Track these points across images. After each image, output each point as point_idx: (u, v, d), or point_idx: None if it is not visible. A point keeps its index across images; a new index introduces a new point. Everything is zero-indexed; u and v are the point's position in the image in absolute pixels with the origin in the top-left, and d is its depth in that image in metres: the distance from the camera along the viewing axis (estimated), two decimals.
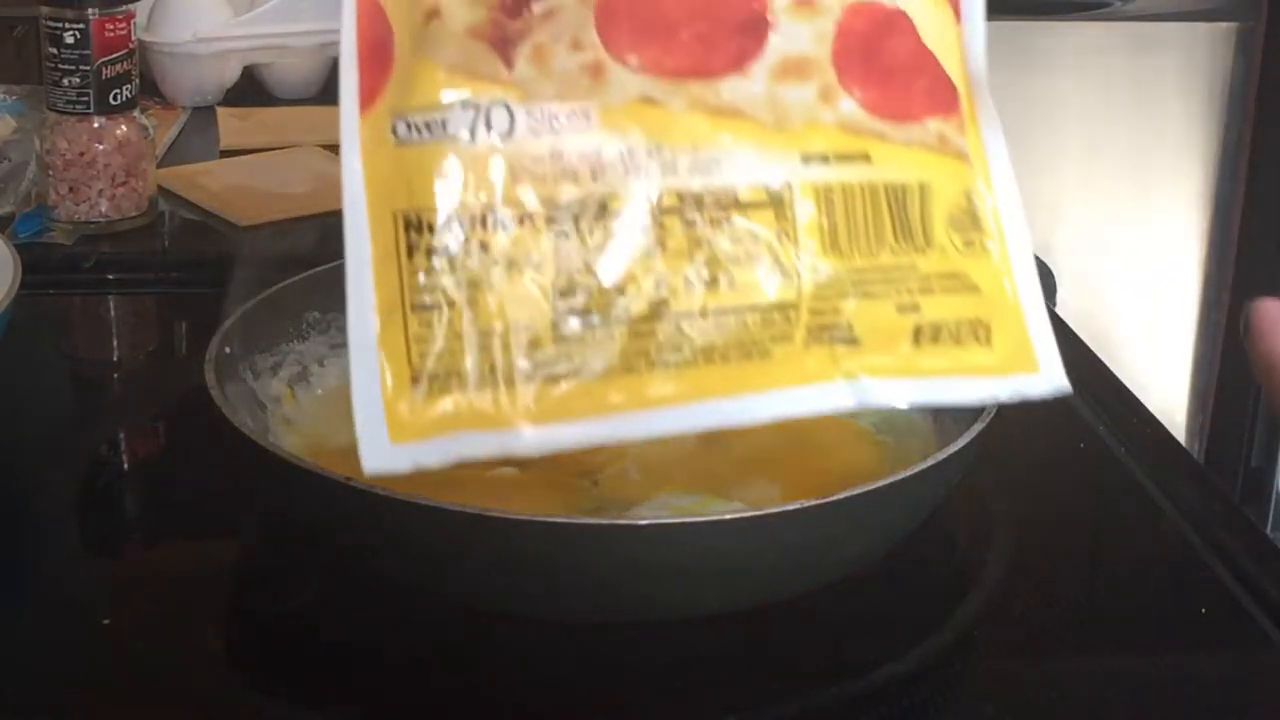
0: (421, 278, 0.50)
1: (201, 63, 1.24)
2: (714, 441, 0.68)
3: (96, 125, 0.95)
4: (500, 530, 0.54)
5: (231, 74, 1.27)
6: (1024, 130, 1.77)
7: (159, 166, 1.02)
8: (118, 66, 0.95)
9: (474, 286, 0.50)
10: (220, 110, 1.23)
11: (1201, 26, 1.86)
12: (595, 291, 0.51)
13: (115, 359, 0.89)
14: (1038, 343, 0.56)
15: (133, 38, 0.96)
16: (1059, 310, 0.93)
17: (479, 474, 0.65)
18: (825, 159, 0.54)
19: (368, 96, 0.52)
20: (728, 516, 0.57)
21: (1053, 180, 1.85)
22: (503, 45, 0.52)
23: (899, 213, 0.54)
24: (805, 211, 0.53)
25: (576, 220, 0.51)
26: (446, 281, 0.50)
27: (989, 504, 0.69)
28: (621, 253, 0.52)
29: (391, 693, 0.56)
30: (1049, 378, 0.55)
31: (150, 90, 1.22)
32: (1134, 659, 0.60)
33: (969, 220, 0.56)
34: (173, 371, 0.85)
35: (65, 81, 0.94)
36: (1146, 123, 1.88)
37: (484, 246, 0.51)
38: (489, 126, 0.51)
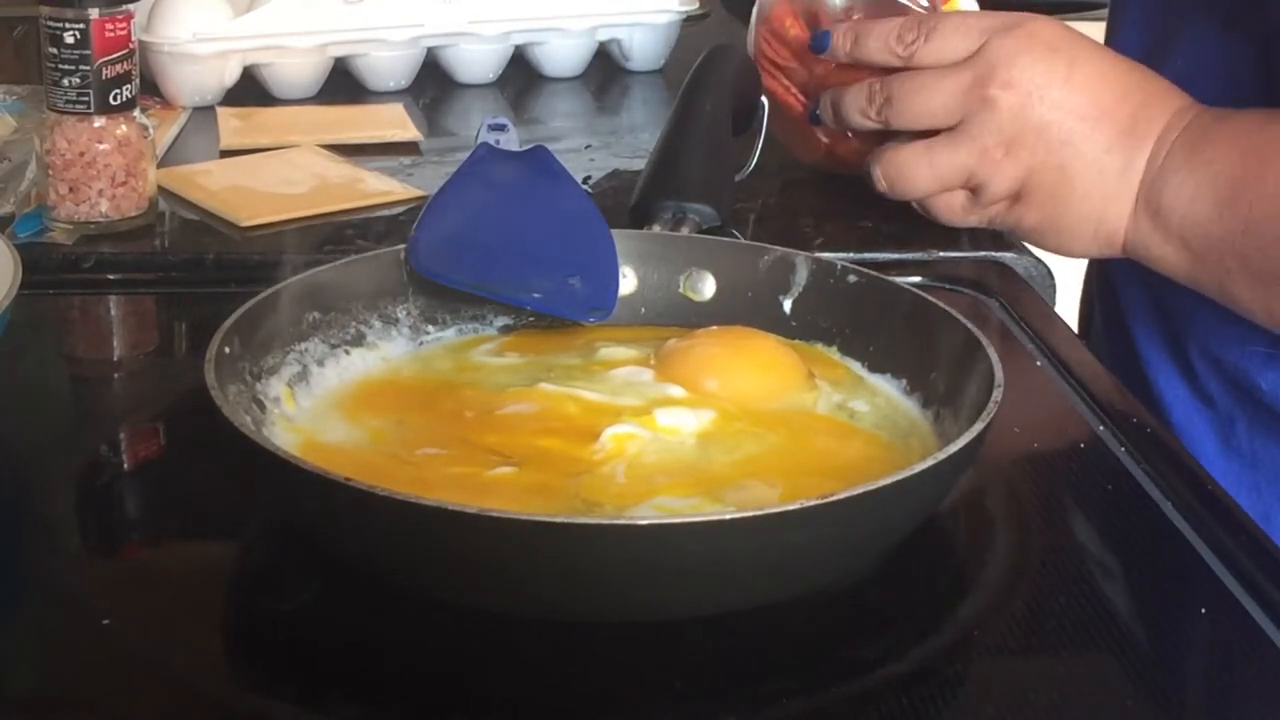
0: None
1: (201, 63, 1.24)
2: (711, 444, 0.68)
3: (96, 125, 0.95)
4: (500, 530, 0.54)
5: (231, 74, 1.27)
6: None
7: (159, 166, 1.02)
8: (118, 66, 0.95)
9: None
10: (220, 110, 1.23)
11: None
12: None
13: (115, 359, 0.89)
14: None
15: (133, 38, 0.96)
16: (1059, 310, 0.93)
17: (478, 473, 0.65)
18: None
19: None
20: (728, 516, 0.57)
21: None
22: None
23: None
24: None
25: None
26: None
27: (989, 504, 0.69)
28: None
29: (391, 693, 0.56)
30: None
31: (150, 90, 1.22)
32: (1134, 659, 0.60)
33: None
34: (173, 371, 0.85)
35: (65, 81, 0.94)
36: None
37: None
38: None
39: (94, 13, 0.93)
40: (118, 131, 0.96)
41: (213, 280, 0.93)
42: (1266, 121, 0.83)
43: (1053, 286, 0.98)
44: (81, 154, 0.96)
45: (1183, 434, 0.95)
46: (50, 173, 0.96)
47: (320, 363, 0.73)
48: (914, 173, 0.90)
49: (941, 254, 0.96)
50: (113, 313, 0.94)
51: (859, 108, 0.91)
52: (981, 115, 0.87)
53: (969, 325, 0.70)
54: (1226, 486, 0.71)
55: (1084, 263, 1.10)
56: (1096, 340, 1.06)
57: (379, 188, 1.06)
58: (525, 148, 0.86)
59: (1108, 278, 1.04)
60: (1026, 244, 0.98)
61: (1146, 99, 0.86)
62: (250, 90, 1.28)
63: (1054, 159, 0.86)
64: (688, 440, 0.68)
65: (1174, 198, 0.84)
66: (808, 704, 0.57)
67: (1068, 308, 0.96)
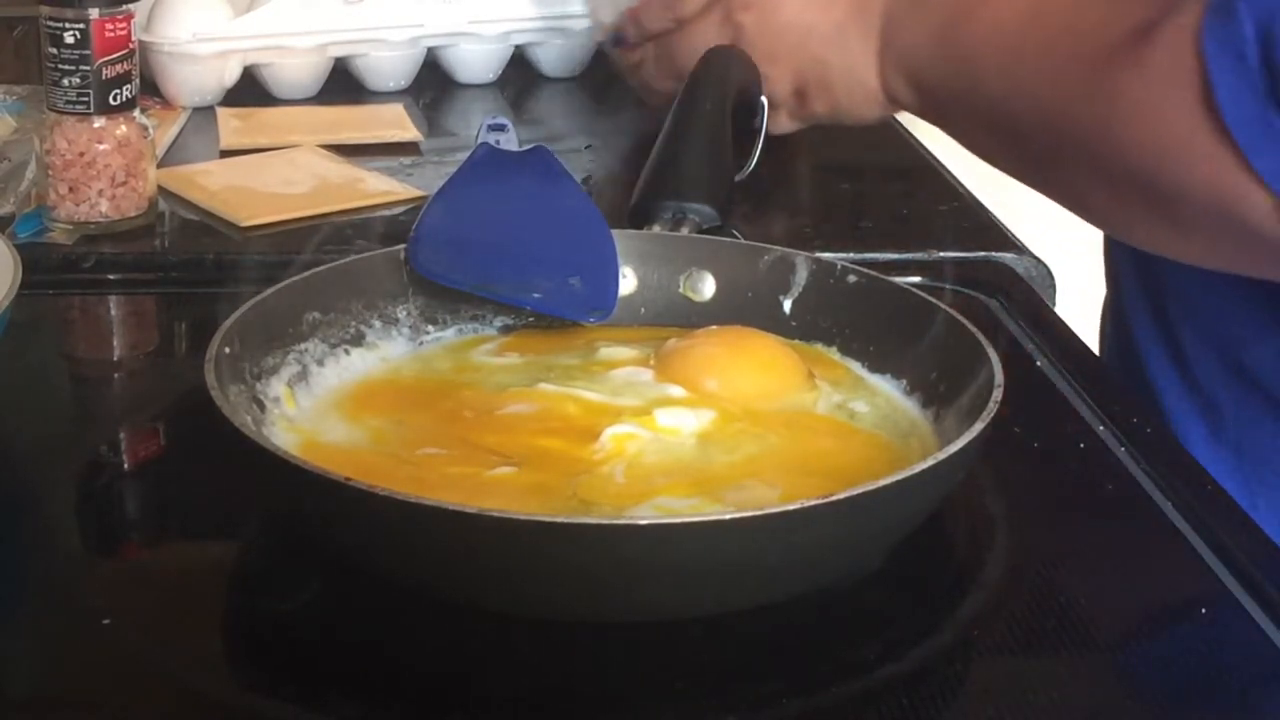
0: None
1: (201, 63, 1.24)
2: (711, 444, 0.68)
3: (96, 125, 0.95)
4: (500, 530, 0.54)
5: (231, 74, 1.27)
6: None
7: (159, 166, 1.02)
8: (118, 66, 0.95)
9: None
10: (220, 110, 1.23)
11: None
12: None
13: (115, 359, 0.89)
14: None
15: (133, 38, 0.96)
16: (1058, 311, 0.93)
17: (477, 473, 0.65)
18: None
19: None
20: (728, 516, 0.57)
21: None
22: None
23: None
24: None
25: None
26: None
27: (989, 504, 0.69)
28: None
29: (391, 693, 0.56)
30: None
31: (150, 90, 1.22)
32: (1134, 659, 0.60)
33: None
34: (173, 371, 0.85)
35: (65, 81, 0.94)
36: None
37: None
38: None
39: (94, 13, 0.93)
40: (118, 131, 0.96)
41: (213, 280, 0.93)
42: None
43: (1053, 286, 0.98)
44: (81, 154, 0.96)
45: (1174, 423, 0.95)
46: (50, 173, 0.96)
47: (320, 363, 0.73)
48: None
49: (941, 254, 0.96)
50: (113, 313, 0.94)
51: (657, 74, 1.02)
52: (739, 41, 0.97)
53: (969, 325, 0.70)
54: (1214, 474, 0.71)
55: (1085, 261, 1.10)
56: (1105, 331, 1.06)
57: (379, 188, 1.06)
58: (525, 148, 0.86)
59: (1112, 264, 1.04)
60: (1016, 236, 0.98)
61: None
62: (250, 90, 1.28)
63: (806, 53, 0.96)
64: (687, 440, 0.68)
65: (904, 42, 0.92)
66: (808, 704, 0.57)
67: (1068, 308, 0.96)
